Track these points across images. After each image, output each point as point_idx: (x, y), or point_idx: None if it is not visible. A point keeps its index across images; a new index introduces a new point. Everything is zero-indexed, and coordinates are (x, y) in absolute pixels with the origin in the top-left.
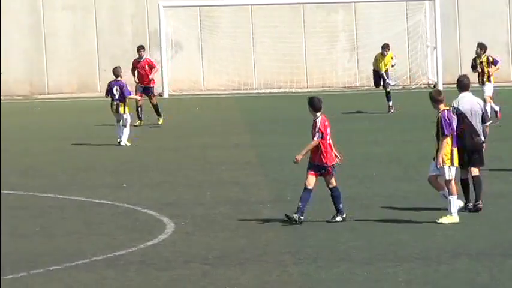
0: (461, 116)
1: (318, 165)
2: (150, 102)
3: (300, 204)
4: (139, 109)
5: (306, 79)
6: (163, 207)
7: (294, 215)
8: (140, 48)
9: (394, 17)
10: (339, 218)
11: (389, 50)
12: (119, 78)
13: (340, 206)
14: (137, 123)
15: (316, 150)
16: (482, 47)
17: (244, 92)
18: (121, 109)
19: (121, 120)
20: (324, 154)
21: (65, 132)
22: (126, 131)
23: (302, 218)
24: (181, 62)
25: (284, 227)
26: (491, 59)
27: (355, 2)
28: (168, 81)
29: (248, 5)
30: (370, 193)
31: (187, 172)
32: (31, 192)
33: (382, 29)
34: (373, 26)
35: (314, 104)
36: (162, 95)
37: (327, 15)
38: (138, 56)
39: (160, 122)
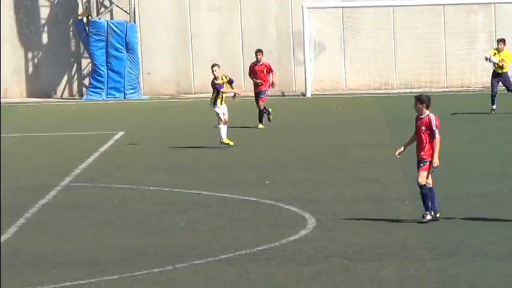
0: None
1: (426, 159)
2: (257, 105)
3: (428, 205)
4: (266, 111)
5: (446, 79)
6: (305, 203)
7: (427, 216)
8: (258, 51)
9: None
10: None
11: (504, 44)
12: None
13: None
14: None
15: (430, 147)
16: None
17: (385, 91)
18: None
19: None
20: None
21: (210, 130)
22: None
23: (437, 215)
24: (324, 62)
25: (422, 223)
26: None
27: (495, 3)
28: (311, 81)
29: (389, 6)
30: (506, 190)
31: (328, 169)
32: (177, 189)
33: None
34: None
35: (426, 101)
36: (305, 95)
37: (467, 17)
38: (256, 59)
39: (260, 126)
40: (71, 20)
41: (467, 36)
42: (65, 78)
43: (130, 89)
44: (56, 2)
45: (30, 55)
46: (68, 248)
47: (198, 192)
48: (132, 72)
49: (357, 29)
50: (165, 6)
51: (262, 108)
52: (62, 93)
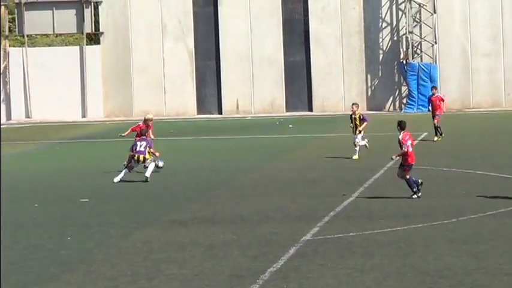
0: None
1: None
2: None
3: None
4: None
5: None
6: None
7: (414, 196)
8: (433, 87)
9: None
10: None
11: None
12: None
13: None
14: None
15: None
16: None
17: None
18: None
19: None
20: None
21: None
22: None
23: (419, 187)
24: None
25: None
26: None
27: None
28: None
29: None
30: None
31: None
32: (459, 169)
33: None
34: None
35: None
36: None
37: None
38: (431, 93)
39: (435, 139)
40: (396, 61)
41: None
42: (391, 98)
43: None
44: (386, 50)
45: (369, 83)
46: (388, 205)
47: (473, 171)
48: None
49: None
50: (454, 53)
51: (438, 124)
52: (389, 107)
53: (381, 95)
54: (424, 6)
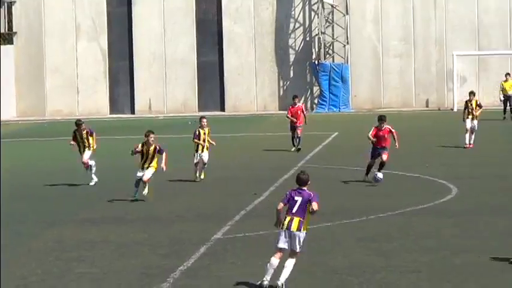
0: None
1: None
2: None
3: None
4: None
5: None
6: (451, 179)
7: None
8: (295, 97)
9: None
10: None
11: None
12: None
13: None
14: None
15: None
16: None
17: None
18: None
19: None
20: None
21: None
22: None
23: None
24: (465, 89)
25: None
26: None
27: None
28: (457, 101)
29: (507, 54)
30: None
31: (464, 153)
32: (339, 166)
33: None
34: None
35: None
36: (453, 109)
37: None
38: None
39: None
40: (308, 62)
41: None
42: (303, 98)
43: (343, 105)
44: (298, 50)
45: (281, 83)
46: None
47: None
48: (344, 95)
49: (485, 67)
50: (366, 54)
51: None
52: None
53: (293, 94)
54: (336, 7)
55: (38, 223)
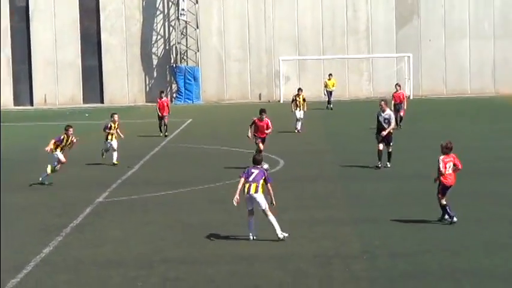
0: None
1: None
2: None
3: None
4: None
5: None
6: (280, 154)
7: None
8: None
9: None
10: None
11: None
12: None
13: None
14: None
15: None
16: None
17: (320, 99)
18: None
19: None
20: None
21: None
22: None
23: None
24: (289, 85)
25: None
26: None
27: None
28: (283, 94)
29: (320, 59)
30: None
31: (287, 135)
32: (209, 145)
33: None
34: None
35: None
36: (279, 101)
37: None
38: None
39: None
40: (168, 65)
41: None
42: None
43: (195, 98)
44: (160, 56)
45: (147, 82)
46: (162, 175)
47: (219, 147)
48: (196, 90)
49: (304, 68)
50: (212, 59)
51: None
52: None
53: (157, 90)
54: (189, 23)
55: None
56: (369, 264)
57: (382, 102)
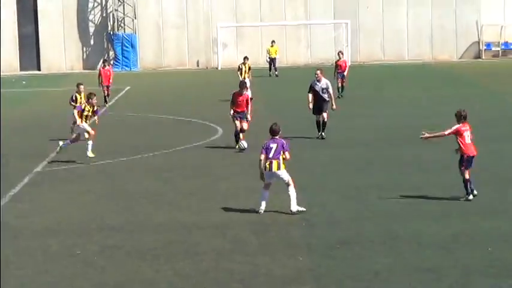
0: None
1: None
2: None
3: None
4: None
5: None
6: (218, 122)
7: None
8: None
9: None
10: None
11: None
12: None
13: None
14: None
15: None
16: None
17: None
18: None
19: None
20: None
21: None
22: None
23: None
24: (227, 52)
25: None
26: None
27: None
28: (221, 61)
29: (258, 26)
30: None
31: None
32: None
33: None
34: None
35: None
36: (217, 68)
37: None
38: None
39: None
40: (105, 32)
41: None
42: (101, 61)
43: (133, 66)
44: (98, 23)
45: (84, 49)
46: (101, 145)
47: (163, 116)
48: (134, 58)
49: (242, 36)
50: (150, 26)
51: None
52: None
53: (94, 58)
54: None
55: None
56: (308, 231)
57: (318, 71)
